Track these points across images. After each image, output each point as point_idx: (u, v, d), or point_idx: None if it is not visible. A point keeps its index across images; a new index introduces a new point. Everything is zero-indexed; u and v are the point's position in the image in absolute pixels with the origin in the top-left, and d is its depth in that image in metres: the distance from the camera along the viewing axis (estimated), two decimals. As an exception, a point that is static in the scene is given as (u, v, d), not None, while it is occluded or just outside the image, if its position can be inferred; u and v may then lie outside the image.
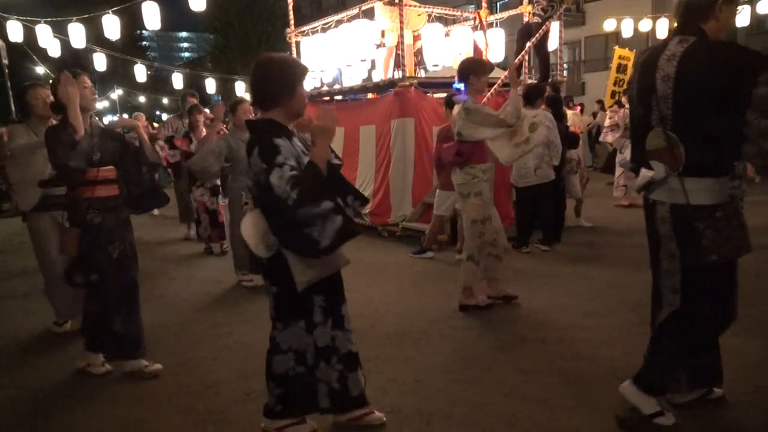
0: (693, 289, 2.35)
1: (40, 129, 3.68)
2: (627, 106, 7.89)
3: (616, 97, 11.31)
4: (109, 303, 3.17)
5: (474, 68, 3.95)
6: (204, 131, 5.99)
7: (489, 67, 4.03)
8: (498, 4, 23.53)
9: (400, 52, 6.68)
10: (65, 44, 10.00)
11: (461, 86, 4.03)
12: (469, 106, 3.86)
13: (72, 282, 3.17)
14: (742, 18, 10.78)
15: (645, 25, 11.90)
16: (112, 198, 3.21)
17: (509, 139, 3.99)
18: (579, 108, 12.97)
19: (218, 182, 6.20)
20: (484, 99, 6.76)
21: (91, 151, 3.08)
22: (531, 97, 5.59)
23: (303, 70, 2.34)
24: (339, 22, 7.37)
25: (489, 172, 4.13)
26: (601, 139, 10.78)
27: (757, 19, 11.56)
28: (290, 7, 8.48)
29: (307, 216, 2.06)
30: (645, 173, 2.39)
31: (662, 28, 11.72)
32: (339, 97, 8.51)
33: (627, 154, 6.11)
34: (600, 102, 12.20)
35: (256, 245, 2.27)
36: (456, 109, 3.98)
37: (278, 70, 2.25)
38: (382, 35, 7.48)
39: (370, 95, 8.22)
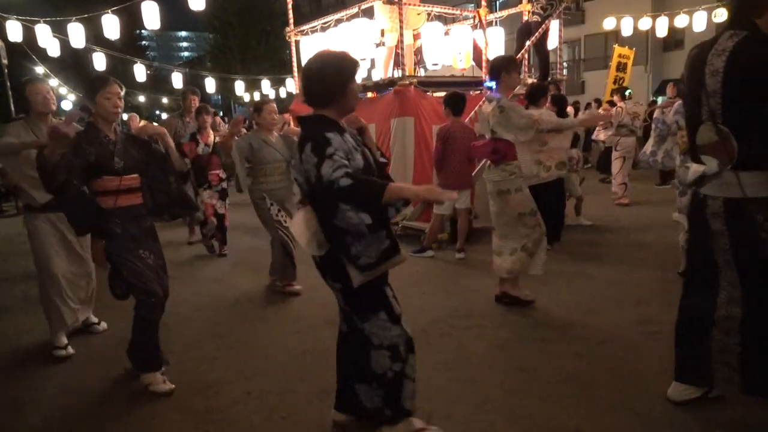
0: (751, 283, 2.33)
1: (40, 127, 3.57)
2: (619, 104, 7.89)
3: (629, 95, 11.31)
4: (155, 311, 3.07)
5: (506, 65, 3.97)
6: (211, 133, 6.00)
7: (516, 64, 4.07)
8: (497, 2, 23.52)
9: (399, 51, 6.68)
10: (65, 44, 9.99)
11: (493, 84, 4.04)
12: (504, 104, 3.88)
13: (115, 293, 3.06)
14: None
15: (645, 23, 11.89)
16: (136, 207, 3.10)
17: (534, 153, 4.02)
18: (571, 107, 12.97)
19: (225, 185, 6.17)
20: (484, 98, 6.77)
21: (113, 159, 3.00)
22: (535, 95, 5.59)
23: (356, 66, 2.30)
24: (338, 21, 7.37)
25: (521, 168, 4.16)
26: (593, 137, 10.78)
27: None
28: (289, 6, 8.47)
29: (346, 216, 2.02)
30: (696, 168, 2.39)
31: (662, 26, 11.72)
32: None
33: (648, 148, 6.10)
34: (598, 101, 12.19)
35: (308, 243, 2.26)
36: (490, 106, 3.98)
37: (333, 67, 2.23)
38: (382, 34, 7.47)
39: (369, 94, 8.20)
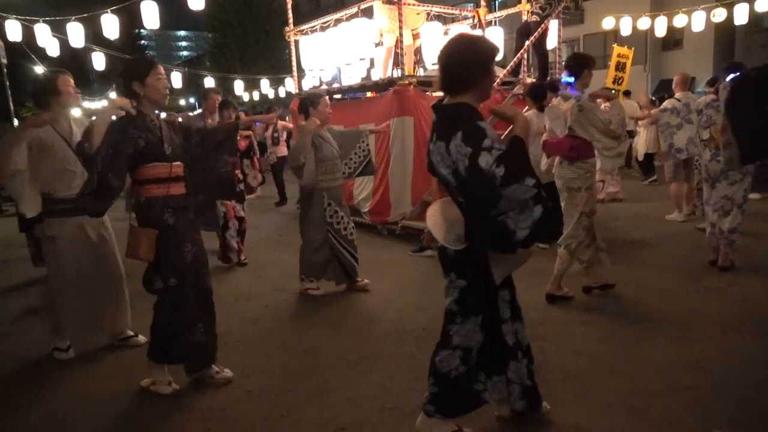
0: None
1: (60, 122, 3.36)
2: (603, 104, 7.91)
3: (630, 95, 11.30)
4: (187, 311, 2.94)
5: (589, 63, 4.08)
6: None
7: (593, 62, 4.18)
8: (497, 2, 23.52)
9: (399, 51, 6.69)
10: (64, 43, 9.98)
11: (571, 80, 4.06)
12: (584, 104, 3.93)
13: (151, 288, 2.91)
14: (741, 16, 10.79)
15: (644, 23, 11.89)
16: (183, 197, 2.97)
17: (606, 150, 4.06)
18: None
19: (242, 187, 5.89)
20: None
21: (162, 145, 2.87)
22: (540, 94, 5.61)
23: (495, 50, 2.24)
24: (338, 21, 7.37)
25: (596, 166, 4.22)
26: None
27: (755, 17, 11.56)
28: (289, 5, 8.47)
29: (513, 194, 1.95)
30: None
31: (661, 26, 11.72)
32: (338, 96, 8.52)
33: (664, 146, 6.11)
34: (627, 93, 12.12)
35: (445, 237, 2.23)
36: (566, 103, 4.00)
37: (474, 50, 2.18)
38: (381, 34, 7.48)
39: (369, 94, 8.22)
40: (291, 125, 9.16)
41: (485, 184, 1.97)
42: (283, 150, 9.80)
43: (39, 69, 19.91)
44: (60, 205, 3.37)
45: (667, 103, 6.15)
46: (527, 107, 5.89)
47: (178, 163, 2.94)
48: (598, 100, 4.30)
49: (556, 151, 4.22)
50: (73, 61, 19.74)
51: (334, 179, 4.52)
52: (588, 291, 4.22)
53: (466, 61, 2.16)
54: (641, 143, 9.14)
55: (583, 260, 4.12)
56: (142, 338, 3.69)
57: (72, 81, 3.48)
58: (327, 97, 4.68)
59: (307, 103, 4.53)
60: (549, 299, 4.13)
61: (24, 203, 3.25)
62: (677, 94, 6.21)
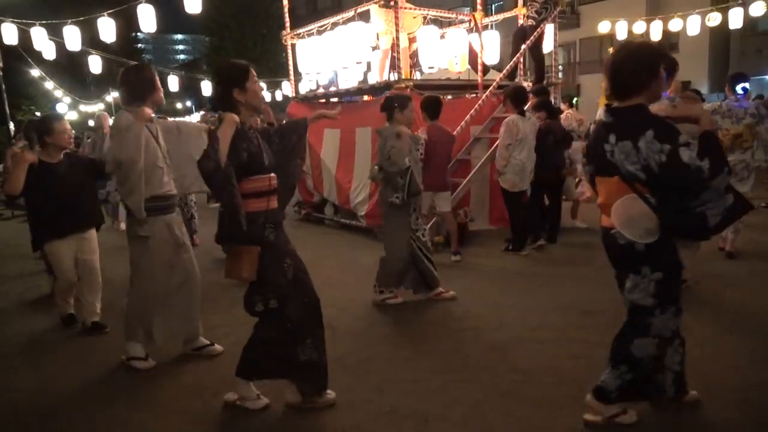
0: None
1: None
2: (567, 111, 8.00)
3: (611, 100, 11.34)
4: (291, 330, 2.70)
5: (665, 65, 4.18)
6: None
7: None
8: (493, 6, 23.60)
9: (395, 55, 6.70)
10: (60, 47, 9.98)
11: None
12: (677, 104, 4.04)
13: (253, 311, 2.69)
14: (735, 20, 10.85)
15: (639, 27, 11.95)
16: (279, 210, 2.74)
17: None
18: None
19: None
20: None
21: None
22: (521, 99, 5.64)
23: (662, 53, 2.48)
24: (335, 25, 7.38)
25: None
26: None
27: (750, 21, 11.62)
28: (286, 9, 8.48)
29: (718, 185, 2.14)
30: None
31: (656, 30, 11.77)
32: (335, 99, 8.52)
33: None
34: (695, 90, 12.16)
35: (633, 231, 2.31)
36: (658, 105, 4.12)
37: (644, 56, 2.35)
38: (378, 38, 7.49)
39: (365, 97, 8.23)
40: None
41: (691, 177, 2.13)
42: None
43: (35, 72, 19.88)
44: (153, 203, 3.29)
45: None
46: (506, 108, 5.92)
47: (274, 174, 2.71)
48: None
49: None
50: (69, 64, 19.73)
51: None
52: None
53: (638, 67, 2.33)
54: None
55: None
56: (218, 347, 3.57)
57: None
58: (414, 102, 4.53)
59: (394, 104, 4.34)
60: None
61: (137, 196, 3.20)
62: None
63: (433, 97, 5.68)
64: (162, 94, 3.39)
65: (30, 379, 3.40)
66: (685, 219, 2.23)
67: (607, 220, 2.43)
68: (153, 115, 3.36)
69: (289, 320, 2.69)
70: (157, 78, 3.40)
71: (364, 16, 7.06)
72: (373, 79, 7.96)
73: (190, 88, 26.48)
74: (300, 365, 2.73)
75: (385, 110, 4.37)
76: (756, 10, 10.72)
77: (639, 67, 2.32)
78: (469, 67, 7.85)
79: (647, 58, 2.34)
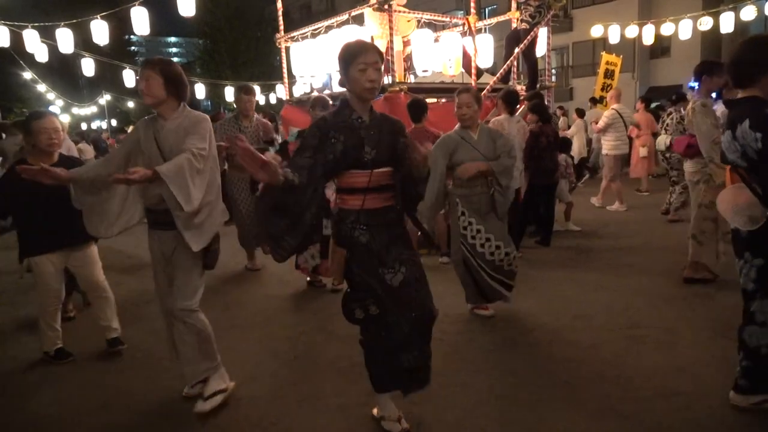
0: None
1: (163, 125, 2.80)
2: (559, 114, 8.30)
3: (604, 102, 11.42)
4: (395, 338, 2.48)
5: (705, 69, 4.38)
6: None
7: (719, 68, 4.37)
8: (487, 10, 23.68)
9: (389, 58, 6.70)
10: (53, 49, 9.94)
11: (695, 84, 4.44)
12: (698, 108, 4.17)
13: (353, 318, 2.51)
14: (727, 24, 10.94)
15: (631, 31, 12.04)
16: (387, 209, 2.48)
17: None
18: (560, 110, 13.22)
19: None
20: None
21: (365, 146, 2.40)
22: (513, 101, 5.67)
23: None
24: (329, 28, 7.38)
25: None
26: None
27: (741, 26, 11.72)
28: (279, 12, 8.48)
29: None
30: None
31: (648, 34, 11.86)
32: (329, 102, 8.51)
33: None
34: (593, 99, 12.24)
35: (738, 218, 2.40)
36: (690, 106, 4.33)
37: (762, 45, 2.47)
38: (372, 41, 7.50)
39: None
40: None
41: None
42: None
43: (27, 75, 19.77)
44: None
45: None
46: (498, 110, 5.94)
47: (384, 169, 2.45)
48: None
49: (677, 148, 4.67)
50: (61, 66, 19.64)
51: (472, 186, 3.86)
52: (690, 281, 4.49)
53: (753, 60, 2.46)
54: (576, 150, 10.00)
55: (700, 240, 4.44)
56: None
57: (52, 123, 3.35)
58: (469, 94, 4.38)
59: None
60: (686, 281, 4.49)
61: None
62: (615, 106, 7.72)
63: (417, 99, 5.68)
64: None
65: (22, 379, 3.36)
66: None
67: None
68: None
69: (393, 329, 2.46)
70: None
71: (358, 20, 7.07)
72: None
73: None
74: (400, 372, 2.56)
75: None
76: (747, 14, 10.84)
77: (755, 61, 2.43)
78: (463, 70, 7.86)
79: (763, 53, 2.44)
